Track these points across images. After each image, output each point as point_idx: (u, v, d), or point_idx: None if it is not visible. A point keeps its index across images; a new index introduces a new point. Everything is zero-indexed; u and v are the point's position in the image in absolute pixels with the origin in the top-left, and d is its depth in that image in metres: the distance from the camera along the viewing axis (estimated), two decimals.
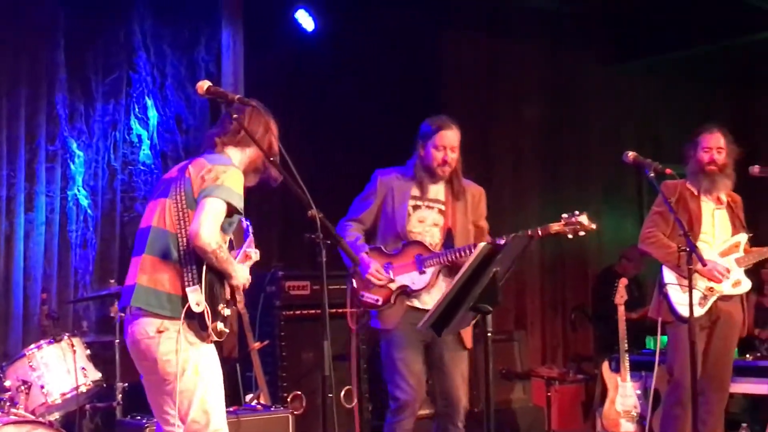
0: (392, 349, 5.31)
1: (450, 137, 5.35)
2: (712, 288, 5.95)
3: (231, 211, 4.07)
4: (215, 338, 4.09)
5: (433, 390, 5.48)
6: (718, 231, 6.09)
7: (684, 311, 5.78)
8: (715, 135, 6.11)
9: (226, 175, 4.05)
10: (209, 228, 3.95)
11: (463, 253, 5.18)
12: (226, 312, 4.12)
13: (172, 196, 4.13)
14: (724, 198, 6.15)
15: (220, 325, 4.06)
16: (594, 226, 5.43)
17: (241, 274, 4.17)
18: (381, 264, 5.32)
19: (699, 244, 5.92)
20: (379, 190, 5.45)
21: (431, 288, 5.29)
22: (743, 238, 6.10)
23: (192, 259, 4.01)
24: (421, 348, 5.31)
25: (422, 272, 5.30)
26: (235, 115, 4.18)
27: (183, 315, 3.98)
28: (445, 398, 5.35)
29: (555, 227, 5.37)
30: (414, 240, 5.35)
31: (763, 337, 8.68)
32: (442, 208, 5.41)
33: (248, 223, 4.47)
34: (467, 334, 5.33)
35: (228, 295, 4.15)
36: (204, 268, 4.00)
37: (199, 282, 3.98)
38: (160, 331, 4.03)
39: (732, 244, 6.09)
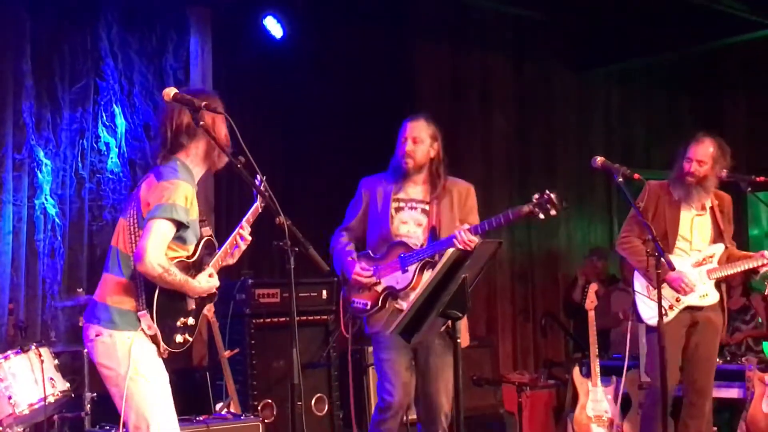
0: (378, 350, 5.33)
1: (411, 127, 5.32)
2: (678, 299, 5.91)
3: (180, 225, 4.03)
4: (174, 350, 4.10)
5: (417, 394, 5.41)
6: (696, 239, 5.98)
7: (649, 321, 5.89)
8: (701, 146, 5.86)
9: (170, 191, 4.01)
10: (153, 252, 3.92)
11: (440, 248, 5.06)
12: (191, 321, 4.12)
13: (127, 217, 4.13)
14: (708, 204, 6.00)
15: (179, 338, 4.09)
16: (563, 206, 5.08)
17: (199, 289, 4.13)
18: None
19: (675, 251, 5.90)
20: (363, 196, 5.47)
21: (416, 287, 5.12)
22: (719, 249, 5.99)
23: (143, 282, 3.99)
24: (407, 351, 5.25)
25: (405, 271, 5.24)
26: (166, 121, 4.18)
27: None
28: (427, 403, 5.32)
29: (526, 209, 5.07)
30: (398, 241, 5.31)
31: (733, 342, 8.71)
32: (426, 207, 5.36)
33: (262, 180, 4.12)
34: (464, 337, 4.95)
35: (193, 305, 4.15)
36: (156, 292, 3.98)
37: (149, 307, 3.98)
38: (97, 335, 4.05)
39: (707, 255, 6.00)
